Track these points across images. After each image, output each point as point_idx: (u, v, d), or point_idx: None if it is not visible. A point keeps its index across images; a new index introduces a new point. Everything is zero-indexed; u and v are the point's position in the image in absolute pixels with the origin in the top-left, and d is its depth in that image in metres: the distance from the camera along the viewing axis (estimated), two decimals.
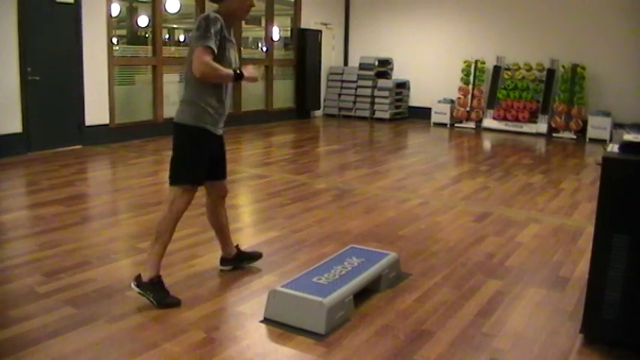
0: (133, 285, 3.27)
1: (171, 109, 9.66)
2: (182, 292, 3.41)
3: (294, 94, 12.40)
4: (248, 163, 7.55)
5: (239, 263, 3.81)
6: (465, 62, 11.70)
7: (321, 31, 12.42)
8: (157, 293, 3.23)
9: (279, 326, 3.02)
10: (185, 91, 3.30)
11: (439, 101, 11.92)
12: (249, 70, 3.29)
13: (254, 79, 3.37)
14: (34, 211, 5.13)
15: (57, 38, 7.75)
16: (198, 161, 3.29)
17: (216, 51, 3.10)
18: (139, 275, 3.27)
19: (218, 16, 3.17)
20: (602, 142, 9.32)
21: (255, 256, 3.90)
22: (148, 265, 3.26)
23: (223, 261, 3.79)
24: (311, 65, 12.19)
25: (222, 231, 3.70)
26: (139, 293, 3.24)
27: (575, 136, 10.53)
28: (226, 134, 3.54)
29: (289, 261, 4.00)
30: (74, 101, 8.05)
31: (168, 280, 3.57)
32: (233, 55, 3.30)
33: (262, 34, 11.66)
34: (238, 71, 3.21)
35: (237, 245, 3.83)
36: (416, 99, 12.73)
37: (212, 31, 3.07)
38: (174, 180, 3.28)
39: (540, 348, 2.91)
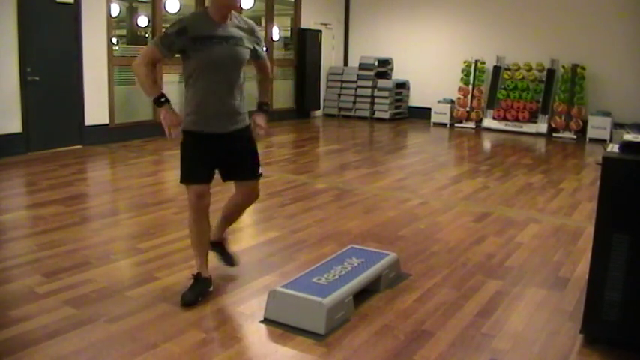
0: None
1: None
2: (182, 292, 3.41)
3: (294, 94, 12.39)
4: None
5: (213, 249, 3.64)
6: (465, 62, 11.69)
7: (321, 31, 12.41)
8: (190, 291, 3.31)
9: (279, 326, 3.01)
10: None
11: (439, 101, 11.92)
12: (165, 116, 3.12)
13: (166, 127, 3.13)
14: (33, 211, 5.13)
15: (57, 38, 7.75)
16: (191, 162, 3.26)
17: (164, 53, 3.21)
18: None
19: (184, 17, 3.29)
20: (602, 142, 9.32)
21: (230, 260, 3.72)
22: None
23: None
24: (311, 65, 12.19)
25: (225, 221, 3.62)
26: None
27: (575, 136, 10.52)
28: None
29: (289, 261, 4.00)
30: (74, 101, 8.05)
31: (168, 280, 3.59)
32: (216, 52, 3.14)
33: (262, 34, 11.63)
34: (162, 99, 3.13)
35: (226, 239, 3.72)
36: (416, 99, 12.73)
37: (167, 32, 3.21)
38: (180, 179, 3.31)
39: (540, 348, 2.91)
